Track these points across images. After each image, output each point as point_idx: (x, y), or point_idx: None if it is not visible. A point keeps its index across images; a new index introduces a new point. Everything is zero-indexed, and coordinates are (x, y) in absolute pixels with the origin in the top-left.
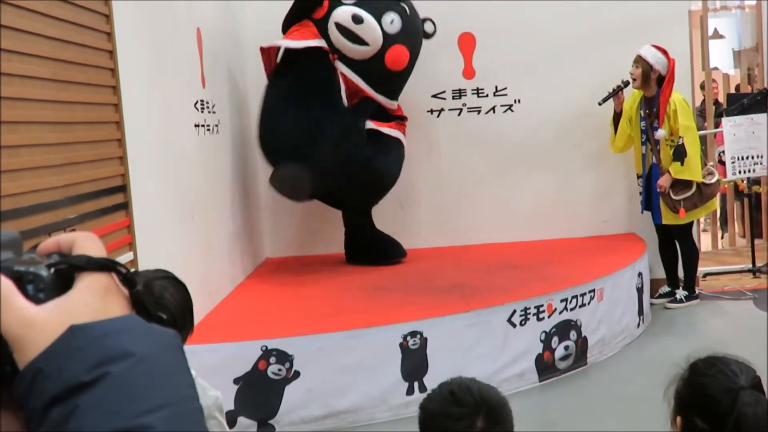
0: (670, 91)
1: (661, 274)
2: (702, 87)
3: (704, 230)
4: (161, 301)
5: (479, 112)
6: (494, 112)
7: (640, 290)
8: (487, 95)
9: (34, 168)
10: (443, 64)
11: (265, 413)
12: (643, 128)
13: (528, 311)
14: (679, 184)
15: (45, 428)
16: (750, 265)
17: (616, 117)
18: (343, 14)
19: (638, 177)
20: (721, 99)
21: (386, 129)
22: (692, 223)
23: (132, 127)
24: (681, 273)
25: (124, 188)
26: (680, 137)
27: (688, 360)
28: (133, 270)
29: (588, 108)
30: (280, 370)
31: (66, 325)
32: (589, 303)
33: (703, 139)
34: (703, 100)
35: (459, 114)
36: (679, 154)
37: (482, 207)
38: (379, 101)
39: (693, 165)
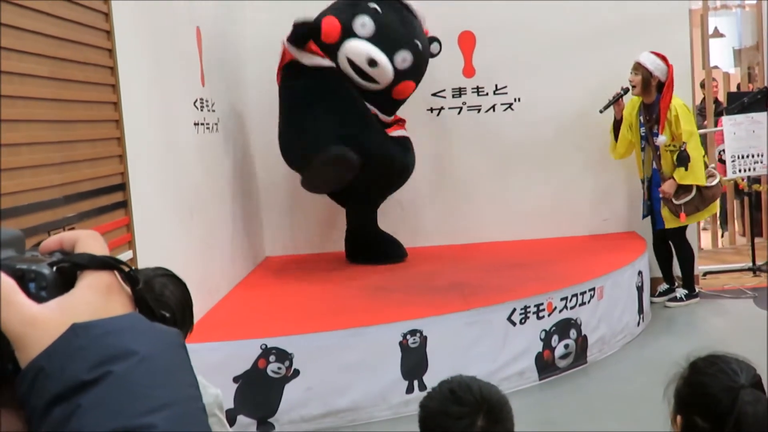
0: (671, 96)
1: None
2: (702, 86)
3: (704, 229)
4: (161, 299)
5: (479, 110)
6: (494, 110)
7: (640, 289)
8: (487, 94)
9: (33, 166)
10: (443, 62)
11: (265, 412)
12: (643, 134)
13: (528, 310)
14: (680, 189)
15: (46, 427)
16: (750, 264)
17: (617, 124)
18: (358, 54)
19: (642, 182)
20: (721, 97)
21: (394, 132)
22: (686, 226)
23: (131, 126)
24: (678, 272)
25: (123, 186)
26: (683, 143)
27: (688, 359)
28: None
29: (588, 106)
30: (279, 368)
31: (68, 324)
32: (589, 301)
33: (703, 139)
34: (703, 98)
35: (459, 113)
36: (683, 159)
37: (482, 206)
38: (378, 115)
39: (697, 169)
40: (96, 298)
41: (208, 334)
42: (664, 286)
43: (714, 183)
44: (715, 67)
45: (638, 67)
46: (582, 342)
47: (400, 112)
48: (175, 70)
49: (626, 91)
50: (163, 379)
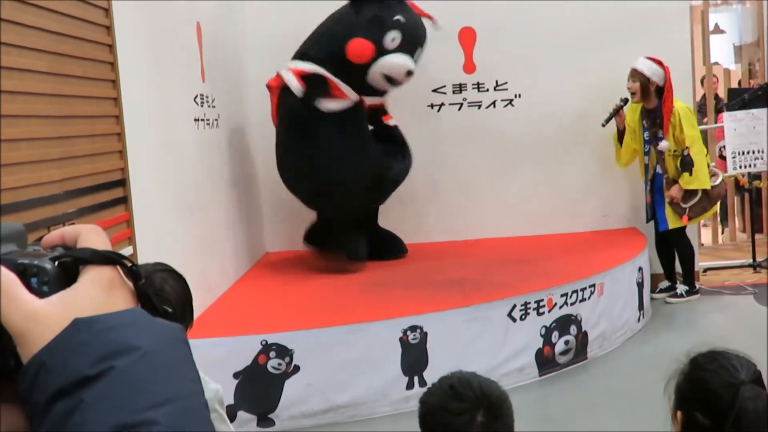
0: (671, 101)
1: (661, 268)
2: (703, 82)
3: (705, 225)
4: (161, 294)
5: (480, 106)
6: (495, 106)
7: (640, 285)
8: (487, 90)
9: (33, 162)
10: (443, 58)
11: (265, 407)
12: (647, 138)
13: (528, 306)
14: (686, 192)
15: (49, 423)
16: (750, 260)
17: (620, 134)
18: (397, 69)
19: (644, 185)
20: (721, 93)
21: (390, 121)
22: (686, 225)
23: (131, 122)
24: (679, 268)
25: (123, 182)
26: (686, 147)
27: (688, 355)
28: None
29: (588, 103)
30: (280, 364)
31: (70, 319)
32: (589, 298)
33: (703, 136)
34: (704, 95)
35: (459, 109)
36: (687, 164)
37: (482, 202)
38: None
39: (701, 174)
40: (98, 293)
41: (208, 329)
42: (665, 283)
43: (718, 182)
44: (716, 63)
45: (635, 74)
46: (582, 338)
47: (400, 108)
48: (175, 66)
49: (626, 101)
50: (166, 374)
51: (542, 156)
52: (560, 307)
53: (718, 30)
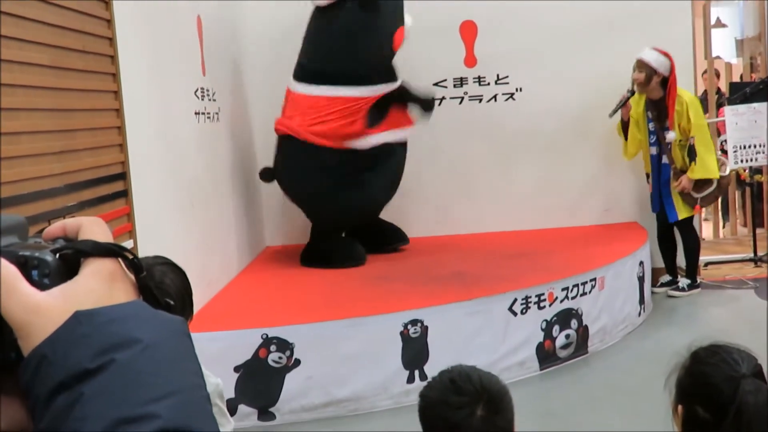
0: (675, 91)
1: (662, 263)
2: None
3: (706, 219)
4: (161, 287)
5: (480, 100)
6: (496, 100)
7: (641, 279)
8: (488, 84)
9: (33, 155)
10: (444, 52)
11: (266, 401)
12: (652, 130)
13: (529, 300)
14: (699, 182)
15: (50, 416)
16: (751, 255)
17: (625, 125)
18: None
19: (647, 176)
20: (723, 88)
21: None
22: (694, 215)
23: (132, 115)
24: (681, 263)
25: (123, 176)
26: (691, 137)
27: (689, 348)
28: None
29: (589, 97)
30: (280, 358)
31: (71, 311)
32: (590, 292)
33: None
34: (705, 91)
35: (460, 102)
36: (692, 153)
37: (483, 196)
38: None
39: (708, 163)
40: (99, 286)
41: (208, 323)
42: (666, 277)
43: (727, 172)
44: (717, 57)
45: (642, 65)
46: (583, 332)
47: None
48: (175, 60)
49: (632, 92)
50: (167, 367)
51: (543, 150)
52: (561, 301)
53: (719, 24)
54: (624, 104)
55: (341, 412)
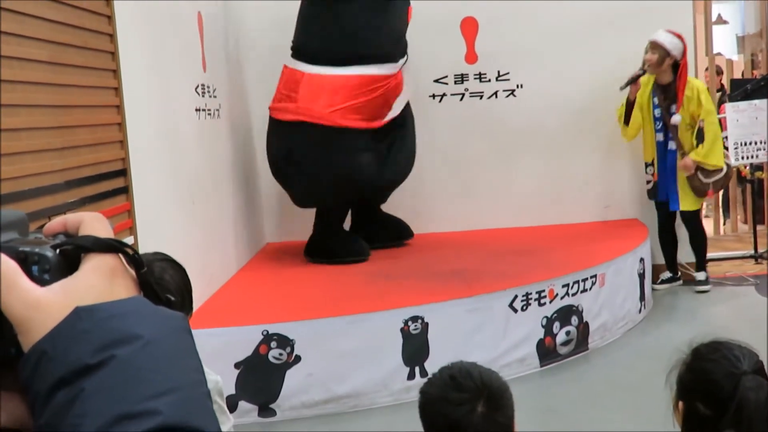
0: (686, 74)
1: (662, 259)
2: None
3: (706, 216)
4: (161, 283)
5: (481, 97)
6: (496, 97)
7: (641, 276)
8: (489, 80)
9: (33, 151)
10: (445, 48)
11: (266, 397)
12: (658, 115)
13: (529, 296)
14: (709, 167)
15: (49, 411)
16: (752, 251)
17: (630, 105)
18: None
19: (647, 165)
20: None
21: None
22: (701, 208)
23: (132, 111)
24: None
25: (124, 172)
26: (701, 120)
27: (690, 345)
28: None
29: (590, 93)
30: (281, 354)
31: (71, 307)
32: (590, 288)
33: None
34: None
35: (461, 99)
36: (701, 136)
37: (484, 192)
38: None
39: (716, 149)
40: (100, 281)
41: (209, 320)
42: (666, 274)
43: (719, 177)
44: (719, 54)
45: (655, 46)
46: (583, 329)
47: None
48: (176, 56)
49: (643, 72)
50: (168, 363)
51: (544, 146)
52: (561, 298)
53: (720, 20)
54: (635, 81)
55: (341, 409)
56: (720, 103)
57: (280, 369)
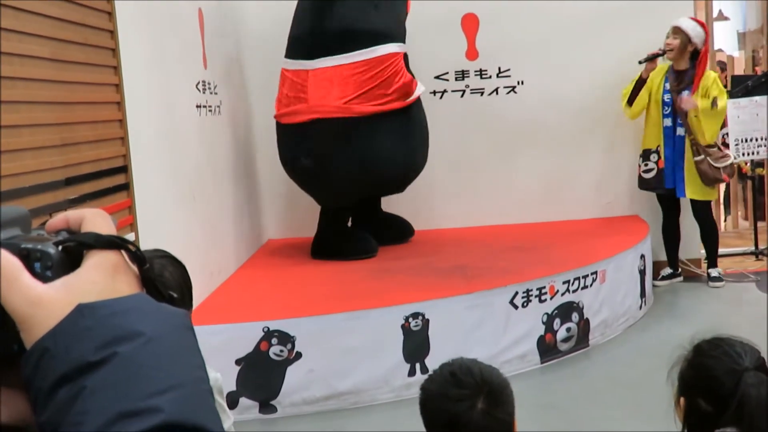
0: (707, 63)
1: (663, 256)
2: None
3: None
4: (161, 280)
5: (482, 93)
6: (497, 93)
7: (642, 272)
8: (490, 77)
9: (34, 148)
10: (446, 45)
11: (267, 394)
12: (668, 101)
13: (530, 293)
14: (718, 152)
15: (51, 409)
16: (752, 248)
17: (640, 83)
18: None
19: (649, 152)
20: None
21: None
22: (711, 201)
23: (133, 108)
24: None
25: (125, 169)
26: (715, 97)
27: (692, 341)
28: None
29: (591, 90)
30: (281, 351)
31: (74, 304)
32: (591, 285)
33: None
34: None
35: (462, 95)
36: (714, 103)
37: (484, 189)
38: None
39: (716, 122)
40: (102, 278)
41: (210, 316)
42: (667, 270)
43: (728, 163)
44: (720, 50)
45: (678, 31)
46: (584, 325)
47: None
48: (177, 53)
49: (663, 53)
50: (170, 360)
51: (545, 143)
52: (562, 295)
53: (722, 17)
54: (653, 59)
55: (342, 405)
56: None
57: (280, 365)
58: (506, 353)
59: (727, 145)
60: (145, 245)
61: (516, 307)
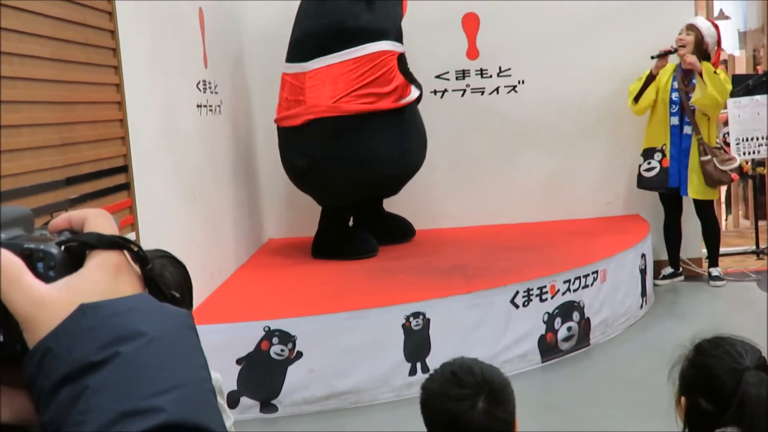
0: (718, 60)
1: (664, 255)
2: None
3: None
4: (161, 280)
5: (483, 92)
6: (498, 93)
7: (643, 272)
8: (490, 76)
9: (34, 148)
10: (447, 44)
11: (268, 394)
12: (676, 99)
13: (531, 292)
14: (725, 154)
15: (54, 408)
16: (753, 247)
17: (649, 79)
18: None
19: (654, 151)
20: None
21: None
22: (714, 200)
23: (134, 108)
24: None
25: (126, 168)
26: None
27: (693, 340)
28: None
29: (592, 89)
30: (282, 350)
31: (76, 304)
32: (592, 284)
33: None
34: None
35: (462, 95)
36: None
37: (485, 188)
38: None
39: (715, 92)
40: (104, 278)
41: (211, 316)
42: (668, 270)
43: (735, 165)
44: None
45: (692, 28)
46: (585, 325)
47: None
48: (177, 52)
49: (675, 50)
50: (172, 360)
51: (545, 142)
52: (563, 294)
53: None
54: (665, 55)
55: (343, 405)
56: None
57: (281, 365)
58: (507, 353)
59: (728, 144)
60: (145, 245)
61: (517, 306)
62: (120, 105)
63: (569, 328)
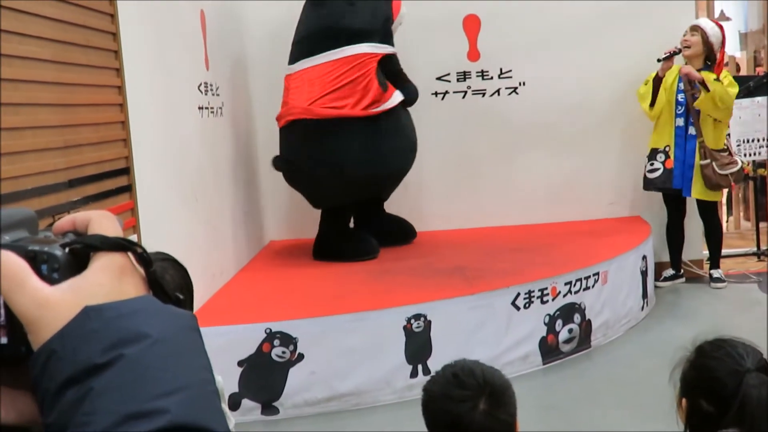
0: (723, 63)
1: (665, 257)
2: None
3: None
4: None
5: (484, 94)
6: (499, 94)
7: (644, 273)
8: (491, 78)
9: (37, 150)
10: (448, 46)
11: (269, 395)
12: (681, 100)
13: (532, 294)
14: (726, 158)
15: (58, 410)
16: (754, 249)
17: (657, 81)
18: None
19: (657, 152)
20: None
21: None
22: (717, 201)
23: (135, 110)
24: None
25: (127, 171)
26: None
27: (694, 342)
28: None
29: (592, 91)
30: (284, 352)
31: (80, 306)
32: (593, 286)
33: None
34: None
35: (463, 97)
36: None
37: (486, 190)
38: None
39: (717, 97)
40: (109, 280)
41: (212, 318)
42: (669, 271)
43: (736, 169)
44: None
45: (697, 29)
46: (586, 326)
47: None
48: (179, 54)
49: (679, 51)
50: (176, 362)
51: (546, 144)
52: (564, 296)
53: (723, 17)
54: (670, 57)
55: (344, 407)
56: None
57: (283, 367)
58: (508, 354)
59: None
60: (147, 247)
61: (518, 308)
62: (122, 107)
63: (570, 330)
